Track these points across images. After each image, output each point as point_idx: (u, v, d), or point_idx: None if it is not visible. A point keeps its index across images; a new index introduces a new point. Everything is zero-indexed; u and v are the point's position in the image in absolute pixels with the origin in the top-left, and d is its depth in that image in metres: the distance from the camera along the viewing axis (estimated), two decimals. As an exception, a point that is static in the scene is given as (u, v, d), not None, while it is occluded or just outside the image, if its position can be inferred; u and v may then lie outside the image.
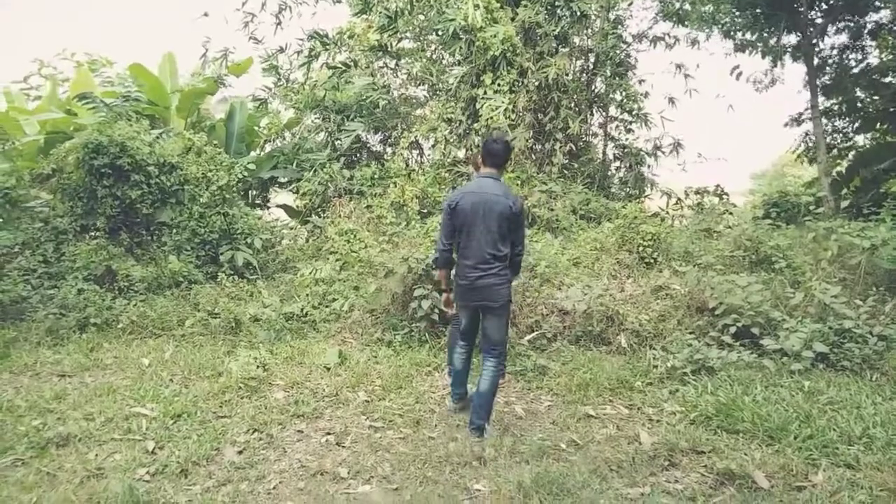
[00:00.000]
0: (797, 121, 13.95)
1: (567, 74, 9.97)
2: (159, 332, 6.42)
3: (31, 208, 7.90)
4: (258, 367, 5.10)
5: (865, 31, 12.85)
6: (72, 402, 4.54)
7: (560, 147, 9.59)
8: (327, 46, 10.63)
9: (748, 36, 12.91)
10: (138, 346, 6.05)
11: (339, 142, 10.23)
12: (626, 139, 11.06)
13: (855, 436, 3.72)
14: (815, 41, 12.76)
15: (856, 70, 13.17)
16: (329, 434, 4.08)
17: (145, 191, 7.87)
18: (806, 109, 13.33)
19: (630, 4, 11.22)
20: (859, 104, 13.55)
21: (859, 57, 13.22)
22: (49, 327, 6.26)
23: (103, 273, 7.22)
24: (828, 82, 13.23)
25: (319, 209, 9.89)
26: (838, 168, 13.74)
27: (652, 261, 7.18)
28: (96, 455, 3.71)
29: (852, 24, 12.81)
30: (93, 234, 7.78)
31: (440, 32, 9.70)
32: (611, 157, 11.26)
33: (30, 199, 8.03)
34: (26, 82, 14.24)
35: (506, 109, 8.87)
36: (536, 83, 9.38)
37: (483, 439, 3.95)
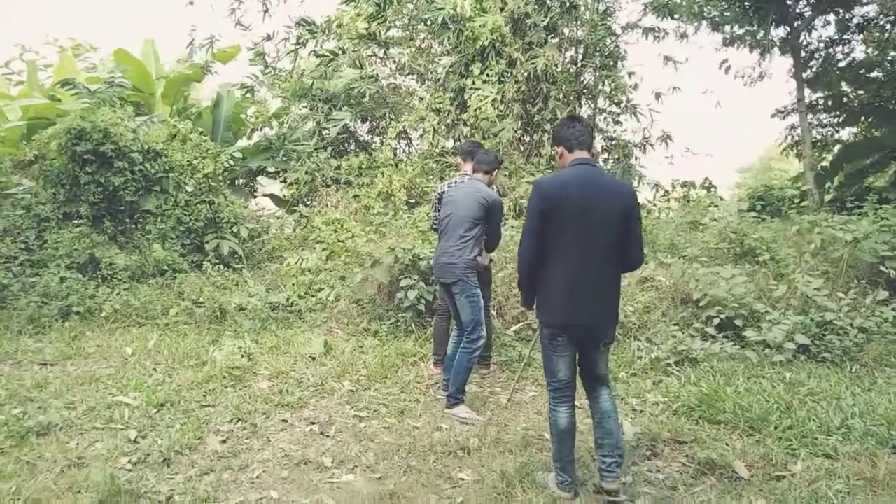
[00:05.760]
0: (783, 113, 14.04)
1: (556, 65, 9.94)
2: (143, 320, 6.37)
3: (13, 195, 7.77)
4: (243, 356, 5.09)
5: (852, 25, 12.94)
6: (53, 390, 4.49)
7: (548, 138, 9.58)
8: (315, 34, 10.52)
9: (736, 29, 12.95)
10: (121, 335, 6.00)
11: (326, 131, 10.15)
12: (615, 131, 11.07)
13: (834, 426, 3.77)
14: (801, 34, 12.83)
15: (842, 64, 13.27)
16: (313, 423, 4.07)
17: (129, 178, 7.77)
18: (792, 103, 13.42)
19: (619, -5, 11.19)
20: (845, 98, 13.67)
21: (846, 51, 13.34)
22: (31, 315, 6.18)
23: (86, 261, 7.14)
24: (812, 76, 13.32)
25: (306, 198, 9.83)
26: (823, 162, 13.86)
27: (638, 252, 7.20)
28: (77, 444, 3.68)
29: (839, 18, 12.89)
30: (76, 221, 7.68)
31: (429, 21, 9.63)
32: (599, 148, 11.26)
33: (11, 185, 7.91)
34: (8, 67, 14.02)
35: (494, 100, 8.83)
36: (525, 74, 9.35)
37: (453, 411, 4.20)
